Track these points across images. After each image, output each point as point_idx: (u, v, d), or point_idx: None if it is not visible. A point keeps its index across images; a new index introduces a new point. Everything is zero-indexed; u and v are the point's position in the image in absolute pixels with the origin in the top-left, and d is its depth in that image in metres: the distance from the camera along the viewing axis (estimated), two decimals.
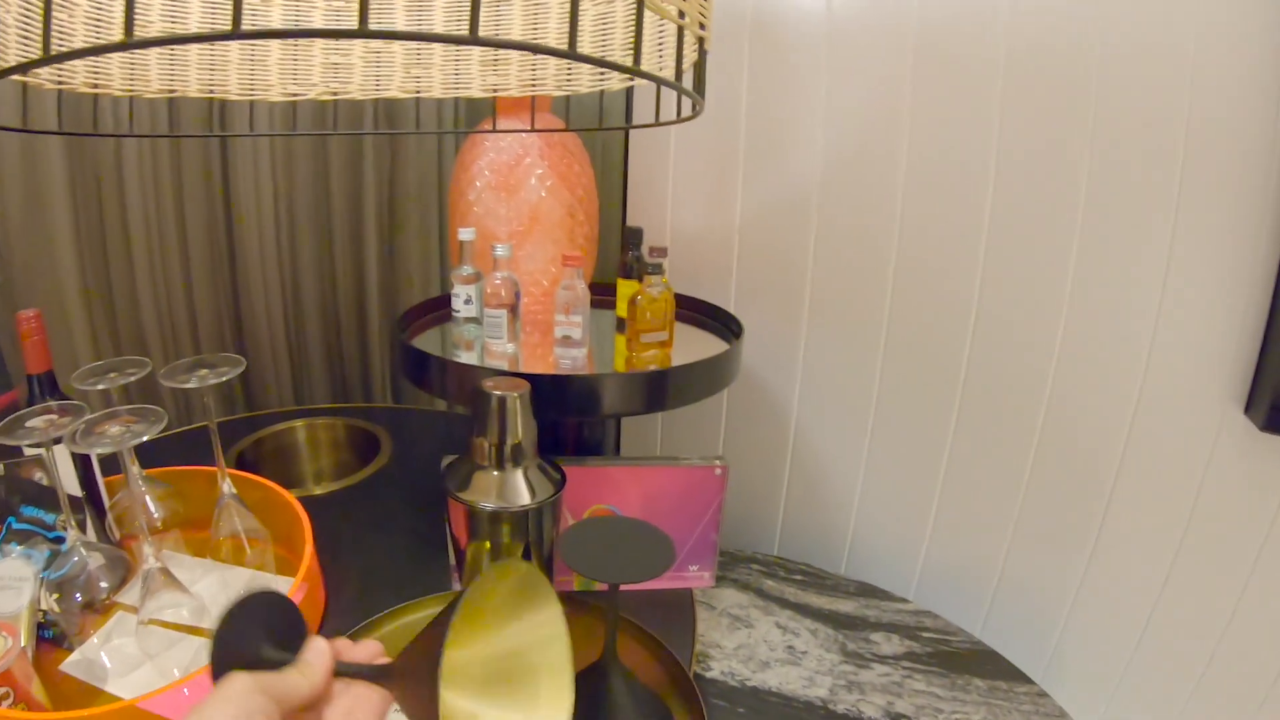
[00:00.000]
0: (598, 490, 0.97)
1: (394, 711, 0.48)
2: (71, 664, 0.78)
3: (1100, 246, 1.05)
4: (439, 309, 1.20)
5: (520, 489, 0.80)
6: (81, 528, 0.84)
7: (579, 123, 1.13)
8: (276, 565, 0.92)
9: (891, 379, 1.23)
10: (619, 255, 1.16)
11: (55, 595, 0.79)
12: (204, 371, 0.82)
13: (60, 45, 0.65)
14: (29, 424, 0.74)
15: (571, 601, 0.78)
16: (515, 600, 0.49)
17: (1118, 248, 1.04)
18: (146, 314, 1.42)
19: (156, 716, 0.67)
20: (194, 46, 0.90)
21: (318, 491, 1.19)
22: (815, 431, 1.31)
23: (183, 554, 0.93)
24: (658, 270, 1.01)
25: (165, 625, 0.78)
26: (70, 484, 0.87)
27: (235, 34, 0.33)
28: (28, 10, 0.58)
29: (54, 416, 0.75)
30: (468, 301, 1.05)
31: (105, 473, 0.92)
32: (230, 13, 0.35)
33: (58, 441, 0.74)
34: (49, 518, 0.83)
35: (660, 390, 0.95)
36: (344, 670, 0.46)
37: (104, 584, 0.82)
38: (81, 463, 0.90)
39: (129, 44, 0.35)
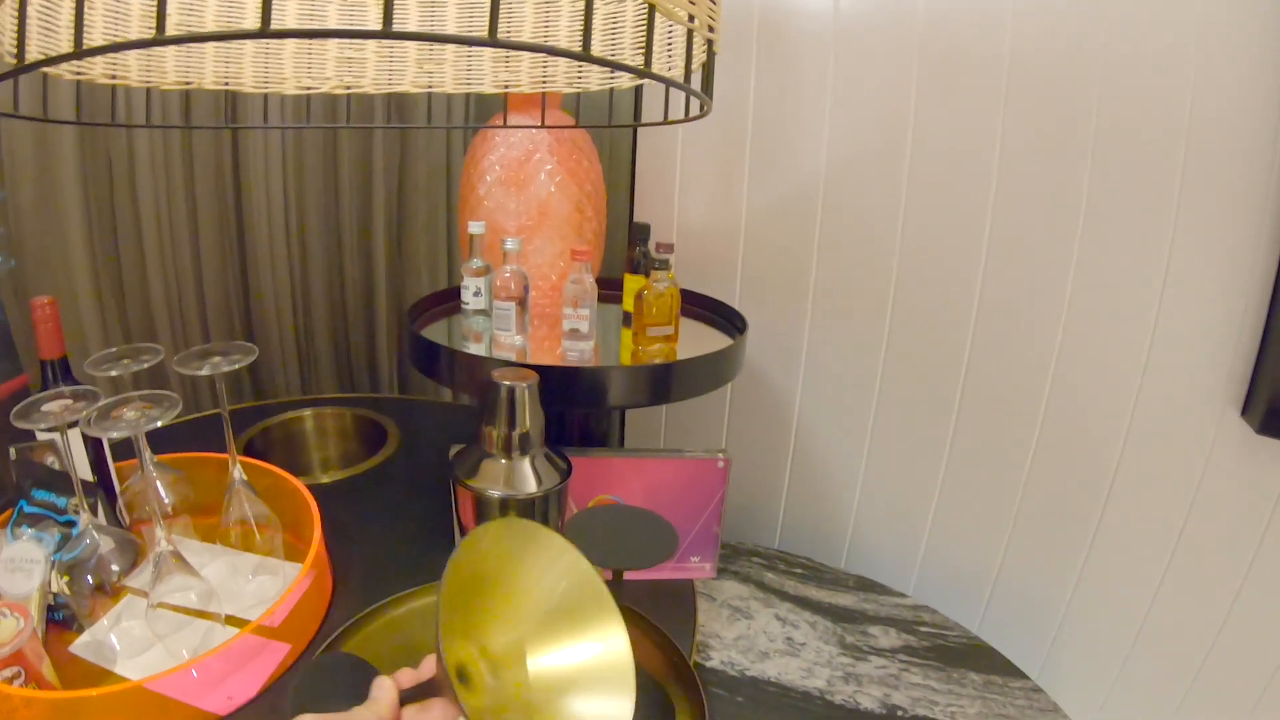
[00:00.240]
0: (602, 481, 0.99)
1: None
2: (81, 645, 0.80)
3: (1101, 248, 1.06)
4: (447, 301, 1.22)
5: (527, 477, 0.81)
6: (93, 511, 0.85)
7: (588, 119, 1.14)
8: (285, 551, 0.93)
9: (893, 377, 1.24)
10: (626, 250, 1.17)
11: (66, 578, 0.80)
12: (217, 359, 0.83)
13: (88, 40, 0.66)
14: (44, 408, 0.75)
15: None
16: (516, 553, 0.51)
17: (1118, 250, 1.05)
18: (156, 302, 1.43)
19: (164, 697, 0.68)
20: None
21: (325, 480, 1.20)
22: (817, 427, 1.33)
23: (192, 539, 0.95)
24: (664, 266, 1.02)
25: (175, 609, 0.79)
26: (82, 468, 0.88)
27: (267, 33, 0.34)
28: (51, 4, 0.59)
29: (68, 401, 0.76)
30: (477, 294, 1.06)
31: (115, 458, 0.94)
32: (257, 9, 0.36)
33: (73, 425, 0.75)
34: (60, 501, 0.84)
35: (665, 383, 0.96)
36: (410, 697, 0.48)
37: (115, 567, 0.83)
38: (94, 447, 0.91)
39: (181, 39, 0.36)
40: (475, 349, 1.04)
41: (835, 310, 1.25)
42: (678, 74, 0.85)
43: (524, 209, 1.11)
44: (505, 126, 1.08)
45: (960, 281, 1.15)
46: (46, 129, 1.22)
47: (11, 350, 1.19)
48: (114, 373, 0.82)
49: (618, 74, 1.05)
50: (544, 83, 1.05)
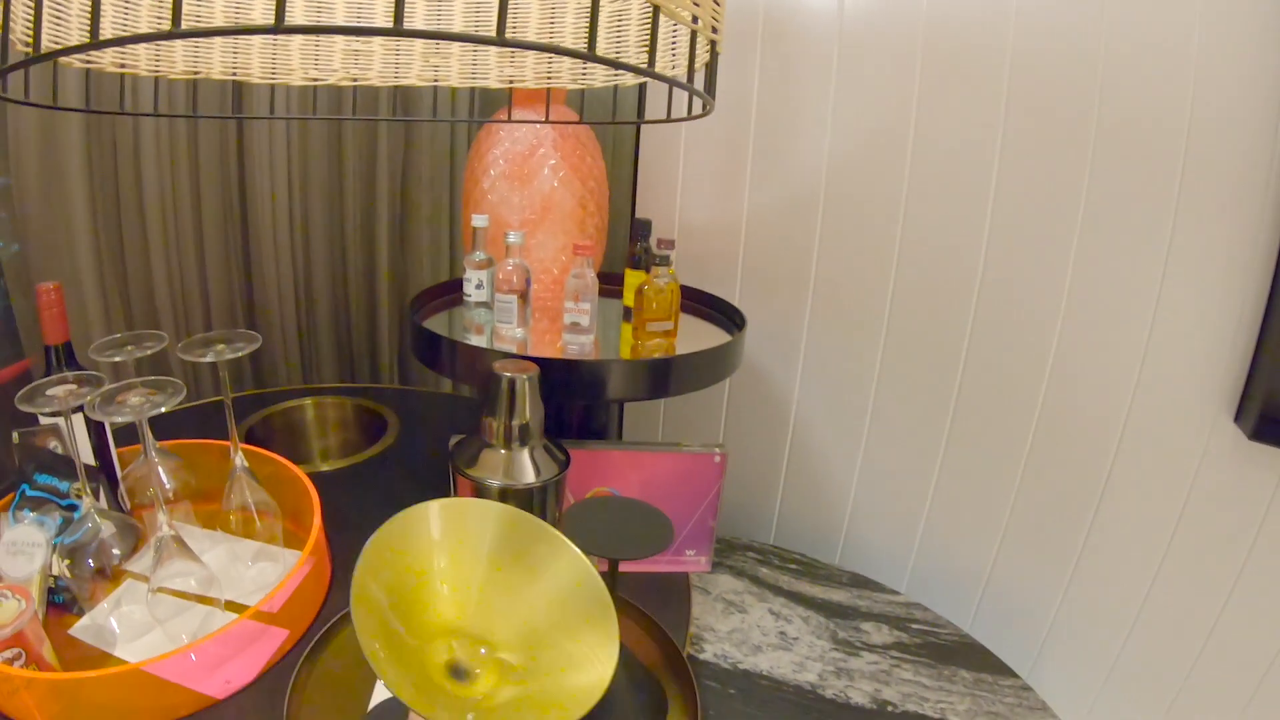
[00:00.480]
0: (600, 473, 1.00)
1: None
2: (81, 628, 0.80)
3: (1097, 252, 1.06)
4: (449, 293, 1.22)
5: (526, 468, 0.82)
6: (95, 496, 0.86)
7: (592, 115, 1.14)
8: (285, 538, 0.94)
9: (890, 376, 1.25)
10: (628, 246, 1.18)
11: (67, 561, 0.81)
12: (220, 346, 0.84)
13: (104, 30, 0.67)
14: (49, 392, 0.75)
15: None
16: (521, 552, 0.52)
17: (1115, 253, 1.05)
18: (160, 290, 1.44)
19: (162, 680, 0.69)
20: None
21: (325, 468, 1.21)
22: (814, 424, 1.33)
23: (193, 525, 0.95)
24: (665, 261, 1.03)
25: (175, 594, 0.79)
26: (85, 453, 0.89)
27: (280, 28, 0.35)
28: None
29: (73, 386, 0.77)
30: (479, 286, 1.07)
31: (118, 444, 0.94)
32: (266, 2, 0.37)
33: (77, 410, 0.75)
34: (62, 485, 0.85)
35: (663, 378, 0.97)
36: None
37: (115, 551, 0.84)
38: (96, 432, 0.92)
39: (194, 32, 0.37)
40: (477, 341, 1.05)
41: (834, 309, 1.26)
42: (681, 73, 0.86)
43: (527, 203, 1.12)
44: (510, 121, 1.09)
45: (958, 282, 1.16)
46: (52, 115, 1.23)
47: (14, 335, 1.20)
48: (117, 359, 0.83)
49: (622, 72, 1.06)
50: (549, 78, 1.06)
